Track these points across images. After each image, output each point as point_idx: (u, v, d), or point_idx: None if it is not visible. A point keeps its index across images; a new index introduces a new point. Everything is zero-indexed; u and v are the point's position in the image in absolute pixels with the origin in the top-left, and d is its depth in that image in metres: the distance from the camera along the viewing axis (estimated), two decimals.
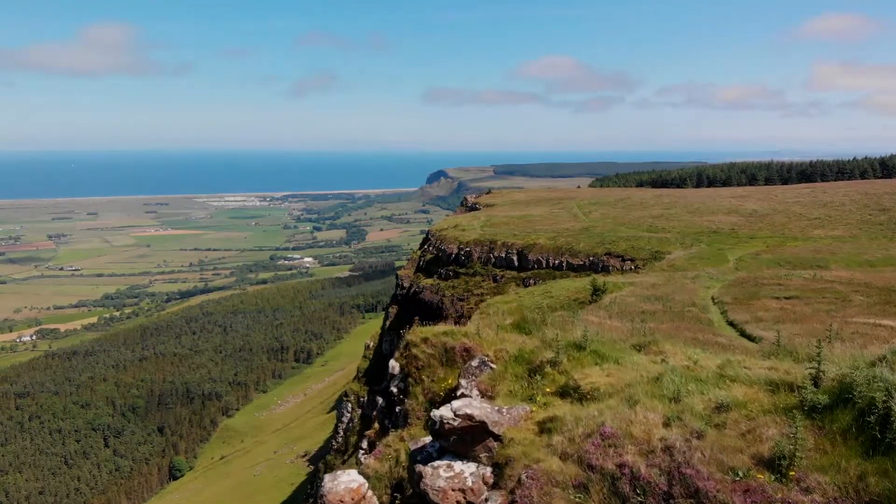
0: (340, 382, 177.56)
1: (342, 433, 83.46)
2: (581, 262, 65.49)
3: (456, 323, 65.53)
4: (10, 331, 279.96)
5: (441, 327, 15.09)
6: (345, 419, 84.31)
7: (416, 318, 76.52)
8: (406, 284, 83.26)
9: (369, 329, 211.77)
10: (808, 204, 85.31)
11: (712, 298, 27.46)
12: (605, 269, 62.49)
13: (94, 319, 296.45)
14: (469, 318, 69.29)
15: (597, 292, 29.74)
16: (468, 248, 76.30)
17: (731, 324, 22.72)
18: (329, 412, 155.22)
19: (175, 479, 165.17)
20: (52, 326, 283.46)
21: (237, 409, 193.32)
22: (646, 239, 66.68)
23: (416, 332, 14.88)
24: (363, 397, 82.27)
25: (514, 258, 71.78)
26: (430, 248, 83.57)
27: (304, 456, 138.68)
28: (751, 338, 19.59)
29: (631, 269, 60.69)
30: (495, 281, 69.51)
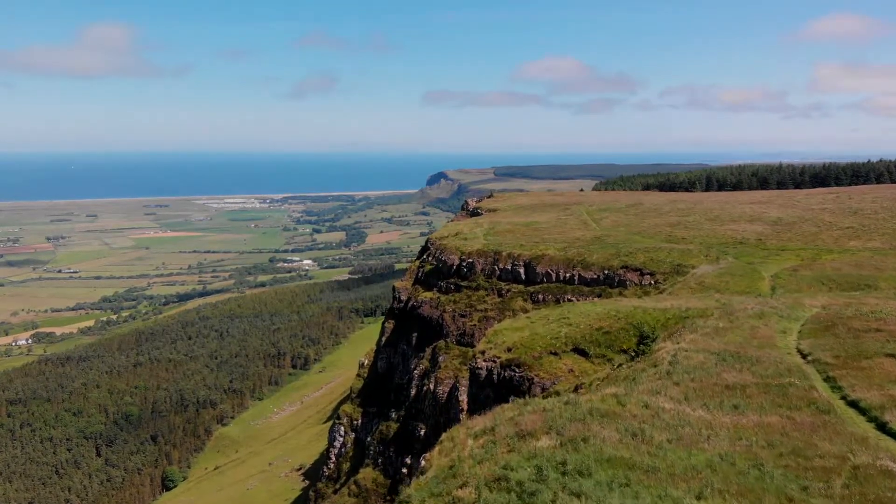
0: (338, 391, 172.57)
1: (334, 458, 77.75)
2: (595, 276, 59.96)
3: (457, 342, 59.38)
4: (6, 334, 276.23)
5: None
6: (337, 444, 78.56)
7: (415, 334, 71.14)
8: (403, 298, 77.48)
9: (368, 334, 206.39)
10: (836, 211, 79.79)
11: (800, 352, 21.66)
12: (622, 284, 57.11)
13: (90, 323, 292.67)
14: (472, 335, 63.83)
15: (644, 341, 23.35)
16: (471, 259, 70.57)
17: (853, 405, 16.72)
18: (325, 422, 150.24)
19: (168, 489, 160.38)
20: (48, 330, 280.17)
21: (232, 418, 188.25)
22: (666, 250, 61.05)
23: None
24: (357, 420, 76.82)
25: (521, 271, 65.94)
26: (430, 259, 77.77)
27: (298, 469, 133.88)
28: None
29: (651, 283, 55.35)
30: (500, 295, 63.94)
